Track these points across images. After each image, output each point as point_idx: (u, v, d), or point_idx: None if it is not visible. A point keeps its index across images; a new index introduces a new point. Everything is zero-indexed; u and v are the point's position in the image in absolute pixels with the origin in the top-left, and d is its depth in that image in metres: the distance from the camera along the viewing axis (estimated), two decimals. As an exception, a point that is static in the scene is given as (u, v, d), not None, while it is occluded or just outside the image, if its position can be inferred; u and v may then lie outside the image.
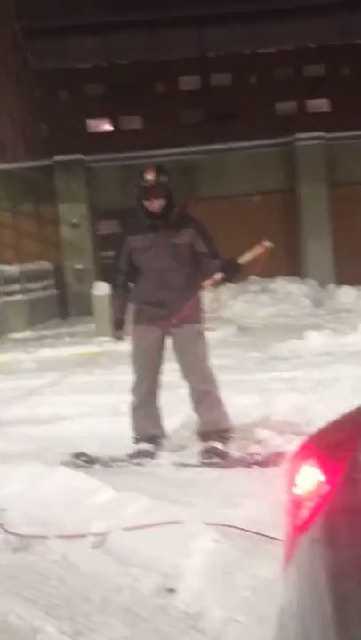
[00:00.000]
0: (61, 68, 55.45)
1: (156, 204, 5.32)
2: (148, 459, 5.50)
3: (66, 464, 5.26)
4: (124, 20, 55.56)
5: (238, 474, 5.12)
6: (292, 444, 5.32)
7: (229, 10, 55.96)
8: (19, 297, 18.00)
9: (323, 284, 19.74)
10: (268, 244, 5.48)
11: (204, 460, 5.35)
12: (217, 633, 2.87)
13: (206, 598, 3.10)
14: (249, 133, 50.40)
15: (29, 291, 18.77)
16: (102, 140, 54.80)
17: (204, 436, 5.52)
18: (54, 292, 20.91)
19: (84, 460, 5.58)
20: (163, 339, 5.57)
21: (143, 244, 5.43)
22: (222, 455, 5.39)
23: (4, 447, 6.16)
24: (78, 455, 5.65)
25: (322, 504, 1.60)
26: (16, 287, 18.19)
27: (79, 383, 9.27)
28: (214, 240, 5.59)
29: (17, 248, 21.38)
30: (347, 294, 17.77)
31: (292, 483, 1.78)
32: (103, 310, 14.73)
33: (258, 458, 5.36)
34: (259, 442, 5.73)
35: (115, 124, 57.60)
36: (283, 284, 18.26)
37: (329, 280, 20.22)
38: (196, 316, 5.51)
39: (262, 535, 3.65)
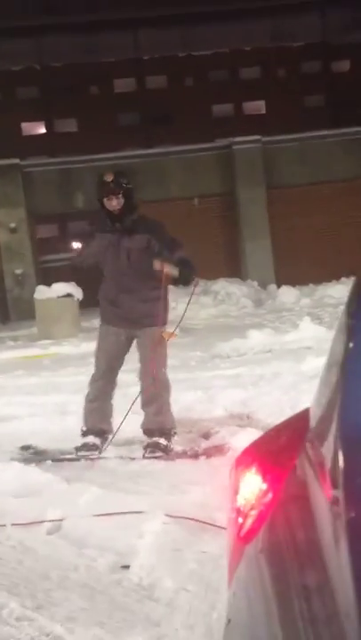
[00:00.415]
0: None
1: (115, 202, 5.48)
2: (94, 452, 5.69)
3: (18, 460, 5.45)
4: (57, 23, 55.35)
5: (184, 464, 5.37)
6: (235, 436, 5.63)
7: (163, 13, 56.31)
8: None
9: (263, 284, 20.14)
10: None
11: (148, 455, 5.56)
12: (169, 601, 3.11)
13: (158, 572, 3.34)
14: (186, 135, 50.77)
15: (-33, 296, 18.67)
16: (38, 143, 54.55)
17: (149, 432, 5.72)
18: (-7, 296, 20.84)
19: (31, 453, 5.77)
20: (127, 341, 5.77)
21: (103, 243, 5.63)
22: (165, 450, 5.60)
23: None
24: (26, 448, 5.84)
25: (266, 512, 1.57)
26: None
27: (25, 385, 9.37)
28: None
29: None
30: (287, 294, 18.24)
31: (235, 491, 1.75)
32: (45, 314, 14.88)
33: (198, 450, 5.61)
34: (203, 435, 6.00)
35: (50, 126, 57.35)
36: (224, 286, 18.62)
37: (269, 280, 20.62)
38: (156, 320, 5.65)
39: (208, 524, 3.88)
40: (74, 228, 26.18)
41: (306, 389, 6.68)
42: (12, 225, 21.03)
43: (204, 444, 5.72)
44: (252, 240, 21.53)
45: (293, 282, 19.23)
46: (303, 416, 1.82)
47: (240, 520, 1.64)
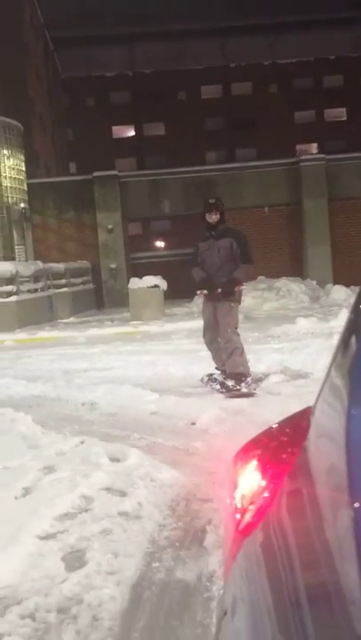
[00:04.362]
0: (88, 77, 58.25)
1: (214, 217, 8.26)
2: (215, 383, 8.35)
3: (127, 384, 8.54)
4: (149, 31, 58.33)
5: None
6: (270, 376, 8.57)
7: (250, 22, 58.76)
8: (65, 289, 21.76)
9: (322, 283, 22.80)
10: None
11: (209, 383, 8.45)
12: (215, 434, 6.14)
13: (211, 426, 6.38)
14: (268, 140, 53.12)
15: (73, 285, 22.43)
16: (127, 145, 57.72)
17: (223, 372, 8.39)
18: (91, 286, 24.43)
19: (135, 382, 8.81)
20: (214, 310, 8.38)
21: (204, 247, 8.37)
22: (227, 388, 8.14)
23: (81, 382, 9.42)
24: (210, 375, 8.54)
25: (265, 506, 1.58)
26: (62, 281, 21.98)
27: (123, 350, 12.51)
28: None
29: (62, 249, 25.04)
30: (339, 292, 20.80)
31: (234, 486, 1.78)
32: (137, 300, 18.10)
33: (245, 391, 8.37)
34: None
35: (139, 130, 60.14)
36: (285, 283, 21.34)
37: (327, 280, 23.29)
38: (229, 296, 8.23)
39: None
40: (159, 228, 29.52)
41: (325, 354, 9.57)
42: (110, 226, 24.42)
43: (249, 379, 8.60)
44: (313, 245, 24.30)
45: (349, 282, 21.79)
46: (305, 414, 1.82)
47: (238, 516, 1.67)
